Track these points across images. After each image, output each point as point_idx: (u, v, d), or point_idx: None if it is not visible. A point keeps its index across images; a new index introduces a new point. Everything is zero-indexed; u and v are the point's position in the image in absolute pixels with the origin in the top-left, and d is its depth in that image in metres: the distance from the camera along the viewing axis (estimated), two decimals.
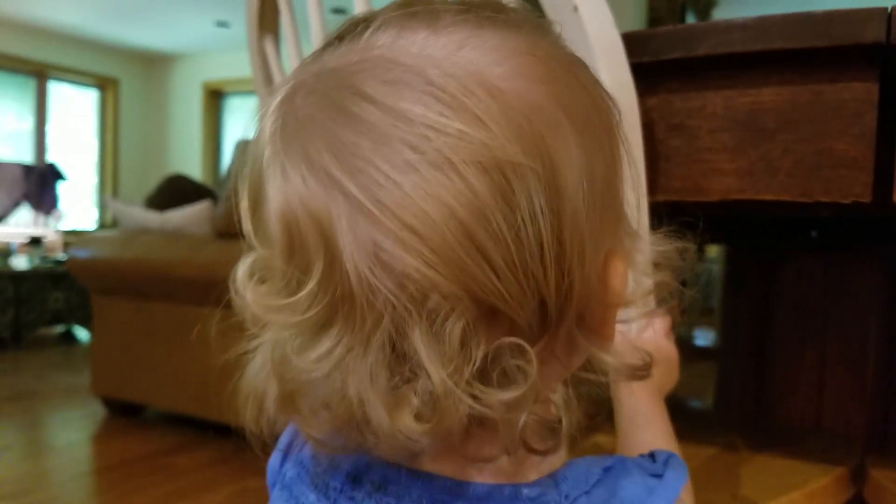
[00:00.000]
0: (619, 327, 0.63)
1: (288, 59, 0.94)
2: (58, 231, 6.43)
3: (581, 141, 0.37)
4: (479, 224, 0.34)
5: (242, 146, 2.69)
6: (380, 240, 0.34)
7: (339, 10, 5.19)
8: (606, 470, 0.42)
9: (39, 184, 6.34)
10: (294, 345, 0.37)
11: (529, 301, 0.35)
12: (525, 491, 0.40)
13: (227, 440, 2.49)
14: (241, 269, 0.40)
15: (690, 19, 4.85)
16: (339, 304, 0.35)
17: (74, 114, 7.86)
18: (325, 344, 0.36)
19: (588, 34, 0.59)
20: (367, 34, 0.38)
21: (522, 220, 0.34)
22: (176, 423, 2.72)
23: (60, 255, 5.04)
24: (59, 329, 4.69)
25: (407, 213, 0.34)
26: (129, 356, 2.75)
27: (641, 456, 0.46)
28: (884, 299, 1.14)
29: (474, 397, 0.35)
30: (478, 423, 0.36)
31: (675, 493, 0.43)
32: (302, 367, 0.37)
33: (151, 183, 4.03)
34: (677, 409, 1.29)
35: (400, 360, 0.35)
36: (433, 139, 0.34)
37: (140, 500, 2.03)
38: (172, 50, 8.01)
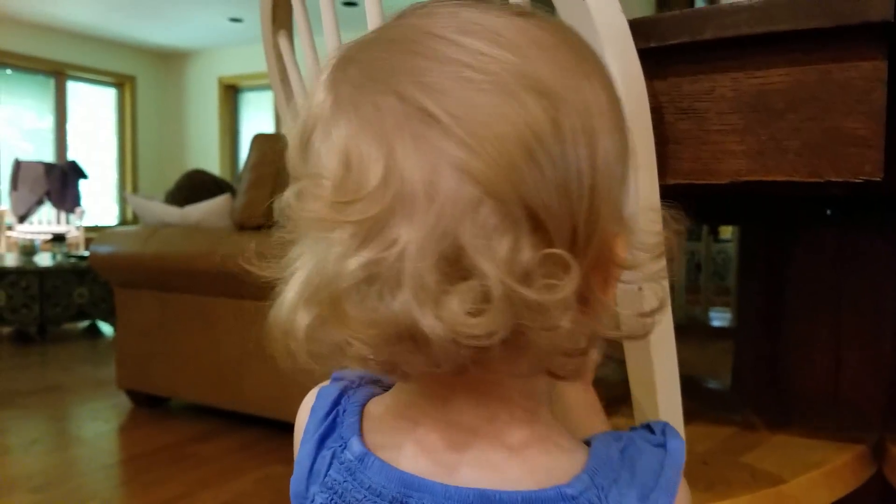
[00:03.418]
0: None
1: (302, 54, 0.95)
2: (80, 228, 6.50)
3: (611, 106, 0.43)
4: (534, 139, 0.39)
5: (259, 140, 2.71)
6: (445, 146, 0.38)
7: (350, 3, 5.19)
8: (622, 452, 0.45)
9: (61, 182, 6.40)
10: (351, 246, 0.39)
11: (566, 220, 0.40)
12: (568, 491, 0.43)
13: (249, 428, 2.52)
14: (289, 192, 0.43)
15: (700, 2, 4.81)
16: (399, 205, 0.38)
17: (93, 112, 7.93)
18: (382, 243, 0.39)
19: (595, 21, 0.60)
20: (427, 9, 0.44)
21: (567, 144, 0.40)
22: (199, 413, 2.76)
23: (83, 251, 5.10)
24: (83, 323, 4.75)
25: (475, 124, 0.38)
26: (152, 349, 2.79)
27: (641, 428, 0.49)
28: None
29: (522, 296, 0.38)
30: (509, 343, 0.39)
31: (682, 461, 0.46)
32: (360, 264, 0.39)
33: (170, 178, 4.07)
34: (694, 389, 1.30)
35: (450, 263, 0.38)
36: (497, 70, 0.40)
37: (166, 488, 2.06)
38: (187, 46, 8.05)
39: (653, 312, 0.47)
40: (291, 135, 0.45)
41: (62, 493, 2.03)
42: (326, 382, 0.52)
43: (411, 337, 0.38)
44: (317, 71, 0.47)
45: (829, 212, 1.24)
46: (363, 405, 0.49)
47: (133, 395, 2.91)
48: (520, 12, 0.43)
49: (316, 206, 0.41)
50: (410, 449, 0.45)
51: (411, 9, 0.45)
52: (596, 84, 0.43)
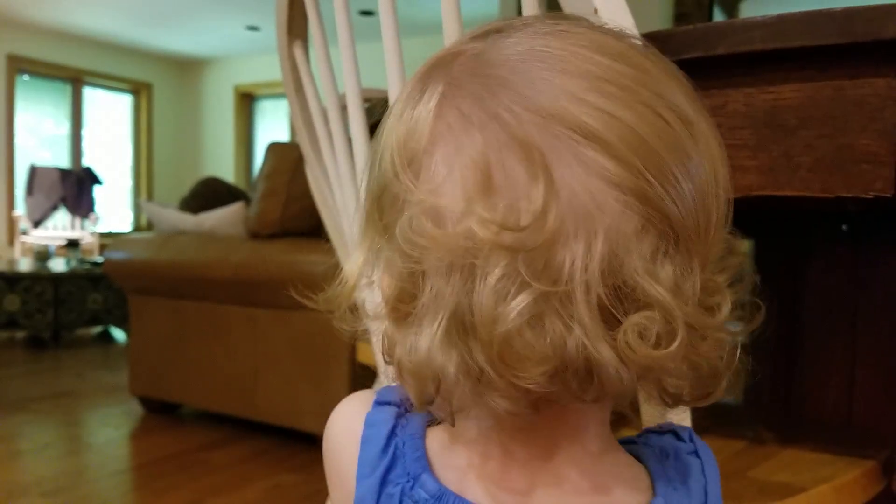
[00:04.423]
0: None
1: (316, 64, 0.96)
2: (94, 234, 6.54)
3: (718, 135, 0.42)
4: (691, 164, 0.38)
5: (274, 148, 2.73)
6: (609, 167, 0.36)
7: (366, 13, 5.22)
8: (675, 466, 0.46)
9: (76, 188, 6.46)
10: (513, 279, 0.36)
11: (704, 244, 0.39)
12: None
13: (261, 437, 2.52)
14: (420, 218, 0.38)
15: (718, 16, 4.81)
16: (563, 232, 0.36)
17: (109, 118, 7.99)
18: (548, 275, 0.36)
19: None
20: (536, 27, 0.41)
21: (707, 172, 0.39)
22: (210, 420, 2.77)
23: (97, 258, 5.14)
24: (96, 329, 4.77)
25: (637, 146, 0.37)
26: (164, 355, 2.80)
27: (671, 436, 0.48)
28: None
29: (701, 324, 0.38)
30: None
31: (717, 468, 0.47)
32: (528, 302, 0.35)
33: (185, 185, 4.09)
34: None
35: (620, 292, 0.36)
36: (642, 93, 0.38)
37: (176, 495, 2.06)
38: (204, 54, 8.11)
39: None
40: (385, 154, 0.42)
41: (73, 498, 2.04)
42: (363, 405, 0.48)
43: (587, 370, 0.36)
44: (409, 82, 0.44)
45: (844, 227, 1.23)
46: (423, 437, 0.45)
47: (145, 401, 2.93)
48: (623, 36, 0.42)
49: (467, 227, 0.36)
50: (489, 486, 0.42)
51: (515, 24, 0.42)
52: (707, 114, 0.42)
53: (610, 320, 0.36)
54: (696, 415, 0.73)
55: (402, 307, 0.40)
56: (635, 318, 0.36)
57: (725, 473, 0.88)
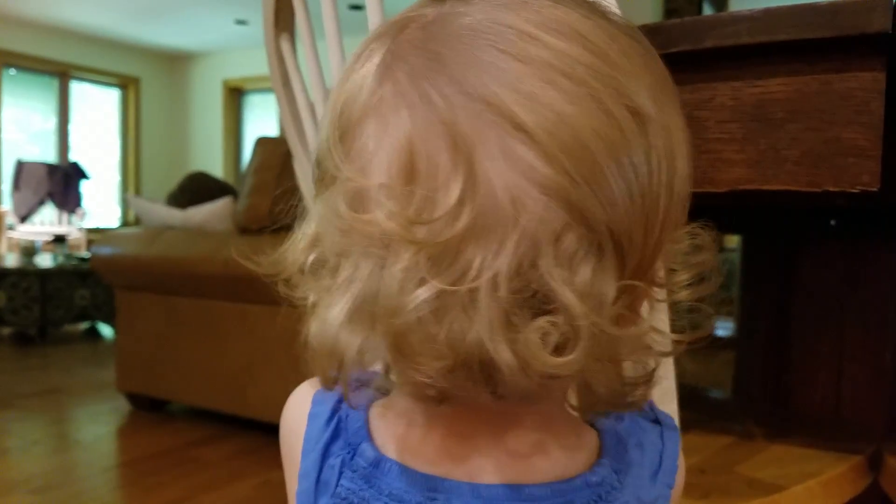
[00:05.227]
0: None
1: (304, 58, 0.95)
2: (81, 229, 6.51)
3: (684, 125, 0.40)
4: (630, 164, 0.35)
5: (263, 143, 2.72)
6: (535, 164, 0.34)
7: (356, 7, 5.20)
8: (628, 432, 0.45)
9: (63, 183, 6.41)
10: (416, 272, 0.35)
11: (640, 248, 0.37)
12: (592, 478, 0.42)
13: (250, 433, 2.52)
14: (338, 199, 0.37)
15: (708, 10, 4.82)
16: (477, 228, 0.34)
17: (97, 113, 7.94)
18: (454, 271, 0.34)
19: None
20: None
21: (653, 170, 0.36)
22: (200, 417, 2.76)
23: (84, 253, 5.11)
24: (84, 325, 4.75)
25: (569, 142, 0.34)
26: (153, 352, 2.79)
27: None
28: None
29: (607, 333, 0.35)
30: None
31: (678, 434, 0.46)
32: (429, 296, 0.34)
33: (173, 180, 4.08)
34: (695, 399, 1.30)
35: (528, 293, 0.35)
36: (589, 81, 0.35)
37: (166, 492, 2.06)
38: (193, 48, 8.07)
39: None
40: (325, 120, 0.41)
41: (61, 495, 2.03)
42: (314, 385, 0.48)
43: (482, 370, 0.35)
44: (362, 49, 0.41)
45: (833, 222, 1.24)
46: (367, 409, 0.45)
47: (133, 398, 2.91)
48: (593, 9, 0.38)
49: (375, 217, 0.35)
50: (428, 451, 0.42)
51: None
52: (674, 101, 0.39)
53: (516, 322, 0.35)
54: (687, 409, 0.74)
55: (328, 281, 0.39)
56: (539, 323, 0.34)
57: (714, 468, 0.89)
